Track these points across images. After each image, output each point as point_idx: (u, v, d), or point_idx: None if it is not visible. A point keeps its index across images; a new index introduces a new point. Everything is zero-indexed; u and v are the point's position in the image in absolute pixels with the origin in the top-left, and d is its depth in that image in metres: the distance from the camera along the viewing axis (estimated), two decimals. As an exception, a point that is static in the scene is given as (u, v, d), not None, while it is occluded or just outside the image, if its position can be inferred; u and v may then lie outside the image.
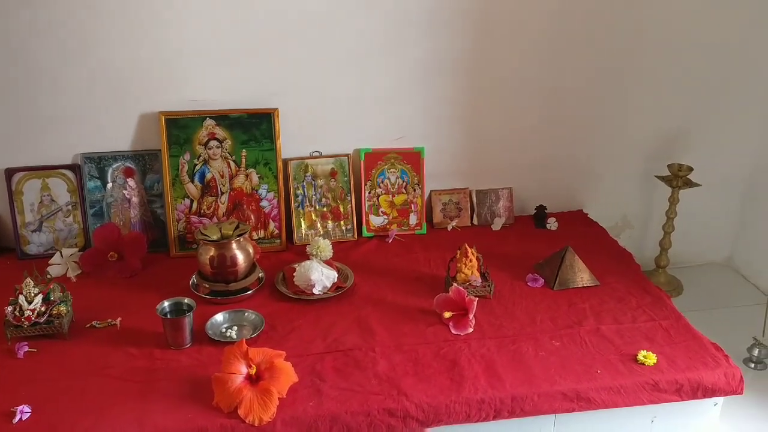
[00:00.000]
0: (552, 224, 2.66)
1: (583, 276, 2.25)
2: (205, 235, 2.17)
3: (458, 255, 2.19)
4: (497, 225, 2.66)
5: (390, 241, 2.55)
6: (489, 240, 2.56)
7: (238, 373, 1.72)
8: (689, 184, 2.64)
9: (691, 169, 2.62)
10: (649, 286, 2.24)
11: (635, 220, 2.92)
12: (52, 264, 2.31)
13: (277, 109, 2.40)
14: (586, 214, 2.79)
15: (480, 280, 2.17)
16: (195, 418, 1.66)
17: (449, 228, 2.65)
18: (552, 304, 2.15)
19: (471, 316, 2.01)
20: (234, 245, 2.17)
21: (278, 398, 1.70)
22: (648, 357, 1.88)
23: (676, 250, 2.81)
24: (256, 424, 1.65)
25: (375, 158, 2.55)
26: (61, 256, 2.33)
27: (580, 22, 2.52)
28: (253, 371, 1.73)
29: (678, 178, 2.63)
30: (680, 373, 1.84)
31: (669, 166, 2.65)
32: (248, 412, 1.66)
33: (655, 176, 2.72)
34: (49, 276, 2.02)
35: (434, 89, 2.53)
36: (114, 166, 2.41)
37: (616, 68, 2.62)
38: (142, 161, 2.42)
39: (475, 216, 2.68)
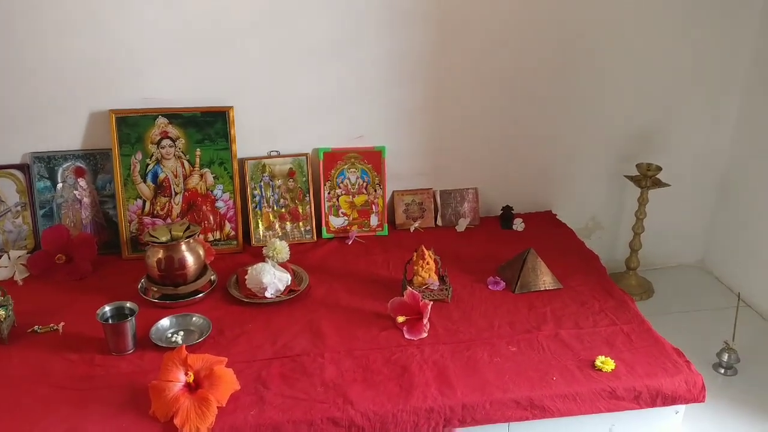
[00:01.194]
0: (518, 225, 2.60)
1: (545, 279, 2.19)
2: (154, 237, 2.10)
3: (415, 257, 2.13)
4: (462, 226, 2.60)
5: (350, 242, 2.48)
6: (453, 241, 2.51)
7: (176, 381, 1.65)
8: (658, 184, 2.58)
9: (660, 169, 2.57)
10: (613, 289, 2.18)
11: (605, 221, 2.86)
12: (-1, 267, 2.24)
13: (231, 107, 2.34)
14: (555, 215, 2.73)
15: (437, 283, 2.11)
16: (129, 427, 1.60)
17: (412, 229, 2.58)
18: (512, 308, 2.09)
19: (425, 321, 1.95)
20: (183, 247, 2.10)
21: (217, 407, 1.63)
22: (606, 363, 1.82)
23: (646, 251, 2.76)
24: (193, 434, 1.59)
25: (334, 158, 2.48)
26: (9, 258, 2.26)
27: (545, 17, 2.47)
28: (190, 379, 1.66)
29: (647, 178, 2.57)
30: (639, 380, 1.78)
31: (637, 165, 2.59)
32: (185, 421, 1.59)
33: (624, 176, 2.67)
34: (-12, 279, 1.95)
35: (395, 87, 2.47)
36: (64, 165, 2.34)
37: (583, 65, 2.57)
38: (94, 161, 2.35)
39: (439, 217, 2.62)
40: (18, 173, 2.32)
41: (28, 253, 2.30)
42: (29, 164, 2.32)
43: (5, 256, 2.27)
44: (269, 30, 2.32)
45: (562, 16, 2.47)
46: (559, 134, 2.66)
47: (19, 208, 2.34)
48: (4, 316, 1.90)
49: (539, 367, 1.83)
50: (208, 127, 2.34)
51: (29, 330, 1.95)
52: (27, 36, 2.20)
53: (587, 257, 2.41)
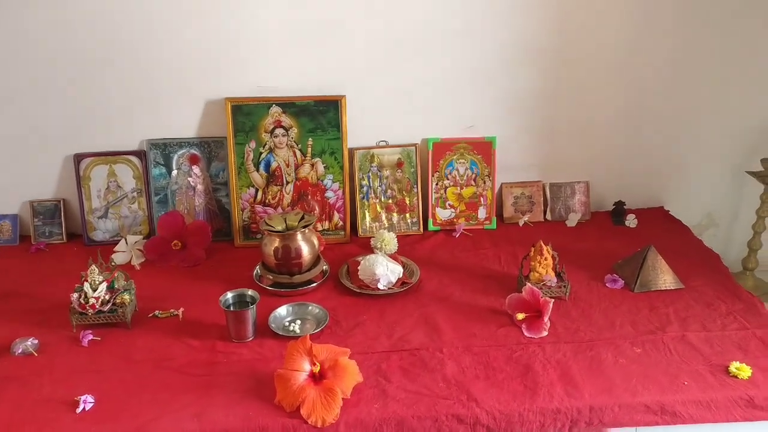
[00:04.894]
0: (631, 221, 2.51)
1: (666, 278, 2.10)
2: (270, 226, 2.11)
3: (532, 252, 2.07)
4: (572, 221, 2.52)
5: (457, 235, 2.44)
6: (563, 237, 2.43)
7: (302, 371, 1.65)
8: (785, 181, 2.44)
9: (788, 165, 2.43)
10: (739, 291, 2.08)
11: (721, 219, 2.73)
12: (117, 251, 2.30)
13: (344, 96, 2.32)
14: (668, 211, 2.62)
15: (555, 280, 2.05)
16: (256, 416, 1.60)
17: (521, 223, 2.52)
18: (632, 308, 2.01)
19: (546, 319, 1.89)
20: (299, 236, 2.10)
21: (342, 398, 1.62)
22: (741, 369, 1.73)
23: (766, 251, 2.62)
24: (319, 425, 1.58)
25: (443, 148, 2.44)
26: (126, 243, 2.31)
27: (666, 8, 2.35)
28: (317, 369, 1.65)
29: (772, 174, 2.44)
30: (779, 389, 1.68)
31: (762, 160, 2.45)
32: (311, 412, 1.59)
33: (746, 172, 2.53)
34: (113, 264, 2.00)
35: (508, 77, 2.41)
36: (179, 152, 2.38)
37: (704, 55, 2.44)
38: (208, 148, 2.38)
39: (548, 211, 2.55)
40: (135, 159, 2.38)
41: (143, 239, 2.36)
42: (146, 151, 2.37)
43: (123, 241, 2.33)
44: (380, 19, 2.29)
45: (682, 4, 2.36)
46: (676, 126, 2.54)
47: (135, 193, 2.40)
48: (128, 300, 1.94)
49: (668, 370, 1.75)
50: (321, 116, 2.33)
51: (150, 315, 1.99)
52: (146, 26, 2.24)
53: (707, 256, 2.31)
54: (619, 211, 2.53)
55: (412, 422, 1.61)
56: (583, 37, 2.38)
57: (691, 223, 2.56)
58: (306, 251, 2.10)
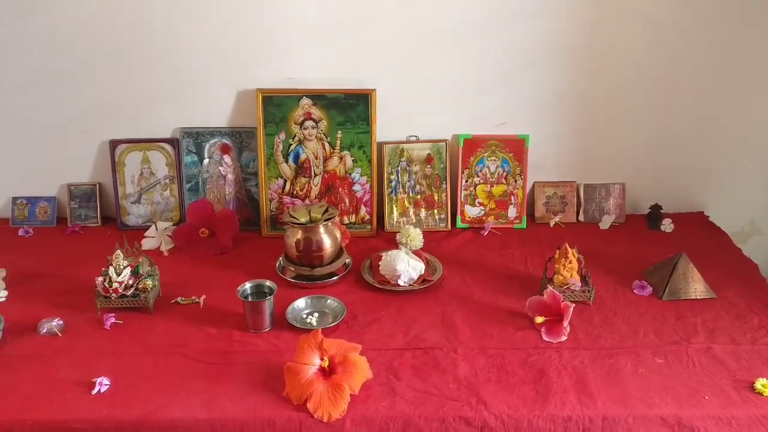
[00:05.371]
0: (667, 226, 2.43)
1: (697, 287, 2.03)
2: (293, 217, 2.12)
3: (557, 255, 2.02)
4: (606, 223, 2.45)
5: (486, 234, 2.41)
6: (595, 239, 2.38)
7: (311, 365, 1.66)
8: (834, 189, 2.33)
9: (837, 173, 2.31)
10: (775, 304, 1.99)
11: (766, 226, 2.62)
12: (147, 237, 2.34)
13: (374, 89, 2.31)
14: (707, 216, 2.53)
15: (579, 284, 2.00)
16: (263, 407, 1.61)
17: (552, 224, 2.47)
18: (658, 316, 1.95)
19: (566, 323, 1.85)
20: (321, 229, 2.10)
21: (350, 394, 1.62)
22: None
23: (811, 263, 2.50)
24: (324, 420, 1.58)
25: (474, 145, 2.41)
26: (156, 229, 2.36)
27: (708, 9, 2.26)
28: (326, 364, 1.66)
29: (821, 182, 2.33)
30: (808, 410, 1.60)
31: (810, 167, 2.35)
32: (318, 406, 1.60)
33: (793, 178, 2.43)
34: (138, 248, 2.03)
35: (543, 73, 2.35)
36: (211, 141, 2.41)
37: (747, 52, 2.34)
38: (239, 138, 2.40)
39: (581, 212, 2.49)
40: (168, 147, 2.42)
41: (173, 225, 2.40)
42: (179, 139, 2.41)
43: (153, 226, 2.37)
44: (411, 11, 2.27)
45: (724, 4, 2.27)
46: (717, 128, 2.45)
47: (167, 180, 2.44)
48: (151, 285, 1.98)
49: (689, 383, 1.69)
50: (351, 109, 2.32)
51: (172, 301, 2.03)
52: (181, 15, 2.27)
53: (744, 266, 2.22)
54: (655, 215, 2.45)
55: (419, 422, 1.59)
56: (622, 36, 2.30)
57: (732, 230, 2.47)
58: (328, 244, 2.10)
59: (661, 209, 2.46)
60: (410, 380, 1.70)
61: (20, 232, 2.44)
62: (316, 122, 2.34)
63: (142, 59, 2.32)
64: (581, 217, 2.49)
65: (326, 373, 1.66)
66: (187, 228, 2.34)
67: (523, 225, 2.45)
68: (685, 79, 2.38)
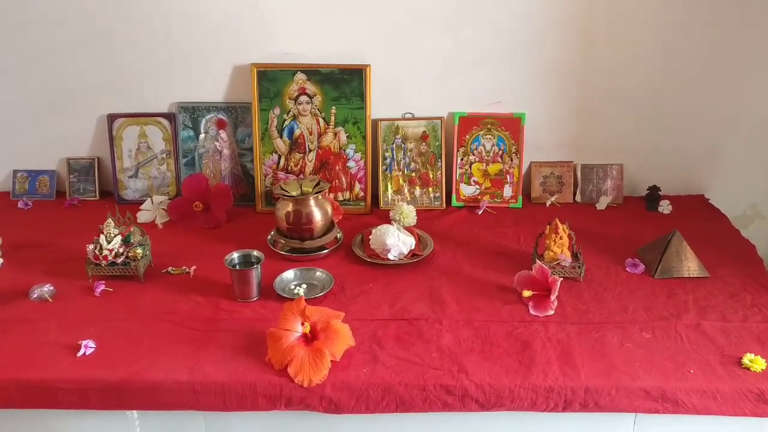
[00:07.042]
0: (665, 208, 2.40)
1: (690, 265, 2.00)
2: (284, 190, 2.12)
3: (547, 230, 2.01)
4: (602, 204, 2.43)
5: (480, 212, 2.40)
6: (591, 219, 2.36)
7: (293, 331, 1.66)
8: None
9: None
10: (770, 283, 1.96)
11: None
12: (143, 210, 2.36)
13: (368, 65, 2.30)
14: (708, 199, 2.50)
15: (570, 260, 1.98)
16: (245, 371, 1.62)
17: (548, 204, 2.45)
18: (649, 293, 1.93)
19: (553, 298, 1.84)
20: (312, 202, 2.10)
21: (331, 360, 1.62)
22: (755, 362, 1.63)
23: (814, 248, 2.46)
24: (305, 385, 1.58)
25: (470, 123, 2.39)
26: (152, 203, 2.37)
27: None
28: (307, 329, 1.66)
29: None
30: (795, 385, 1.58)
31: (814, 149, 2.31)
32: (298, 371, 1.60)
33: (796, 160, 2.39)
34: (130, 218, 2.04)
35: (540, 50, 2.33)
36: (207, 116, 2.42)
37: (751, 32, 2.30)
38: (235, 113, 2.41)
39: (578, 192, 2.47)
40: (164, 121, 2.43)
41: (169, 199, 2.41)
42: (175, 113, 2.42)
43: (149, 200, 2.38)
44: (411, -12, 2.27)
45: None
46: (719, 109, 2.41)
47: (164, 155, 2.45)
48: (141, 254, 1.99)
49: (675, 357, 1.67)
50: (345, 85, 2.32)
51: (163, 270, 2.03)
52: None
53: (741, 246, 2.18)
54: (653, 196, 2.42)
55: (399, 389, 1.59)
56: (621, 10, 2.28)
57: (733, 214, 2.43)
58: (318, 217, 2.10)
59: (659, 190, 2.43)
60: (393, 349, 1.69)
61: (19, 204, 2.46)
62: (311, 97, 2.34)
63: (139, 34, 2.33)
64: (578, 198, 2.47)
65: (308, 339, 1.66)
66: (182, 202, 2.35)
67: (519, 204, 2.44)
68: (685, 61, 2.35)
